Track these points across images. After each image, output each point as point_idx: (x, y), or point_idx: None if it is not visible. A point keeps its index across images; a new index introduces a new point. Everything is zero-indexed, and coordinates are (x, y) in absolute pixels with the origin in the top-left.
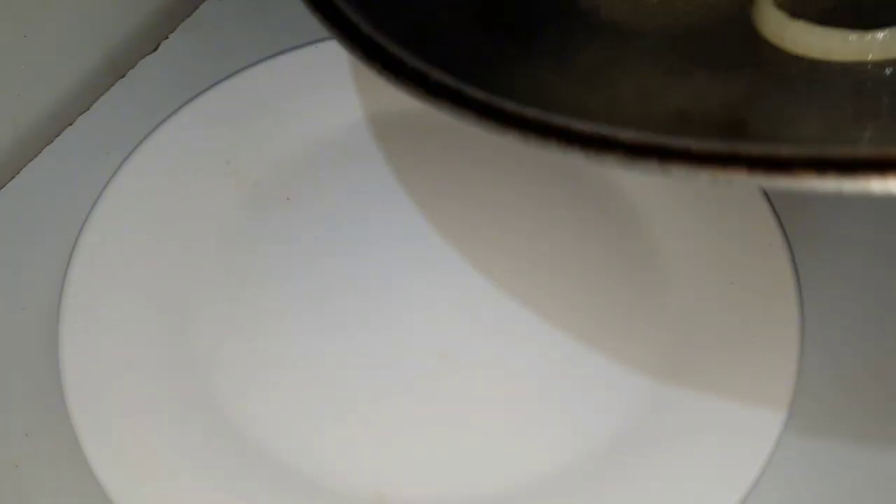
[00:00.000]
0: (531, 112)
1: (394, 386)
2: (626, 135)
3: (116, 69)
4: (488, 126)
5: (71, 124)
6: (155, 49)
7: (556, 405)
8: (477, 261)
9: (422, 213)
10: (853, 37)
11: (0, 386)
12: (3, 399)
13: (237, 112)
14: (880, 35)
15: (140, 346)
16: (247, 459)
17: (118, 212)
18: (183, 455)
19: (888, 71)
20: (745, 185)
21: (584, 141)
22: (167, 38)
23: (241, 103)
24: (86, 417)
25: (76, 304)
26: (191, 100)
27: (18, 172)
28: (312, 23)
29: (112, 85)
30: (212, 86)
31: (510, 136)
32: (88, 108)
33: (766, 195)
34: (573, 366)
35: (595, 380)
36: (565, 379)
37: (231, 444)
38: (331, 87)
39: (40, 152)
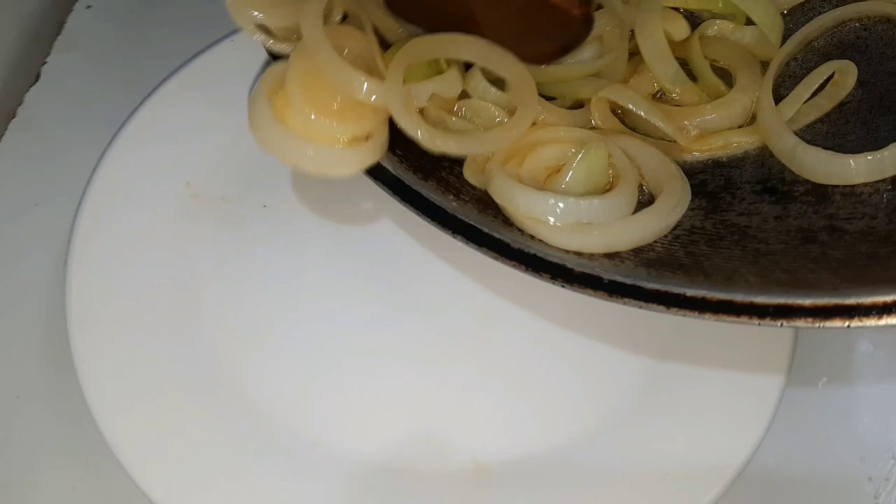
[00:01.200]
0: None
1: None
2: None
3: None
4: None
5: None
6: (37, 79)
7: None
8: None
9: None
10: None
11: None
12: None
13: (178, 129)
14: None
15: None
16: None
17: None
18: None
19: None
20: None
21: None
22: (46, 62)
23: (176, 119)
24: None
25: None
26: (125, 123)
27: None
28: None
29: (5, 129)
30: (138, 107)
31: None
32: None
33: None
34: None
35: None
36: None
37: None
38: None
39: None
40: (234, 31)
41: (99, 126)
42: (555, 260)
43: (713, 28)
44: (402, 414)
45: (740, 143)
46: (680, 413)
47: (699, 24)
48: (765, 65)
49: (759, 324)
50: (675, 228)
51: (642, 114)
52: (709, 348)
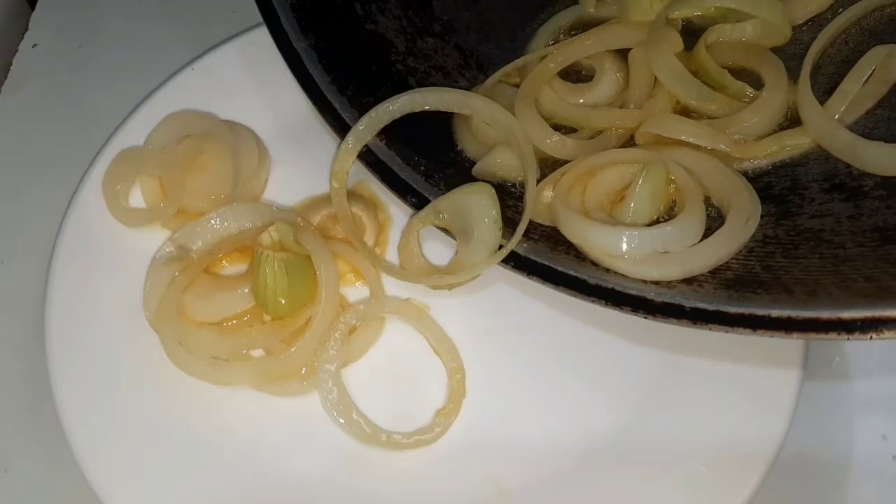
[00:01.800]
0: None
1: None
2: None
3: None
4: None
5: None
6: None
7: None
8: None
9: None
10: None
11: None
12: None
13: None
14: None
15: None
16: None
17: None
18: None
19: None
20: None
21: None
22: None
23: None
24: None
25: None
26: (87, 172)
27: None
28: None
29: None
30: (100, 151)
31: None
32: None
33: None
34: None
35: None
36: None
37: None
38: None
39: None
40: (183, 67)
41: (58, 169)
42: (634, 292)
43: (713, 34)
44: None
45: (795, 145)
46: (704, 407)
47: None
48: (778, 52)
49: (847, 338)
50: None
51: (694, 140)
52: (723, 341)
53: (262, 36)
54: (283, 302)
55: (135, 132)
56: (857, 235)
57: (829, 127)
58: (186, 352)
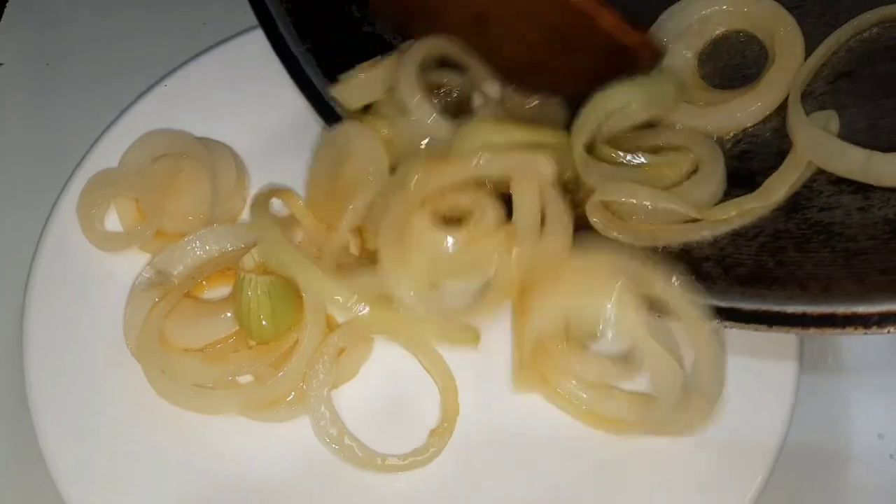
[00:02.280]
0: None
1: None
2: None
3: None
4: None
5: None
6: None
7: None
8: None
9: None
10: None
11: None
12: None
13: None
14: None
15: None
16: None
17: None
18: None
19: None
20: None
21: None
22: None
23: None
24: None
25: None
26: (58, 201)
27: None
28: None
29: None
30: (71, 175)
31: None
32: None
33: None
34: None
35: None
36: None
37: None
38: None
39: None
40: (155, 84)
41: (30, 194)
42: None
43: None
44: None
45: (754, 209)
46: None
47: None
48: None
49: (864, 333)
50: (758, 235)
51: (649, 205)
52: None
53: (236, 49)
54: (268, 326)
55: (108, 153)
56: (867, 228)
57: (836, 145)
58: (170, 381)
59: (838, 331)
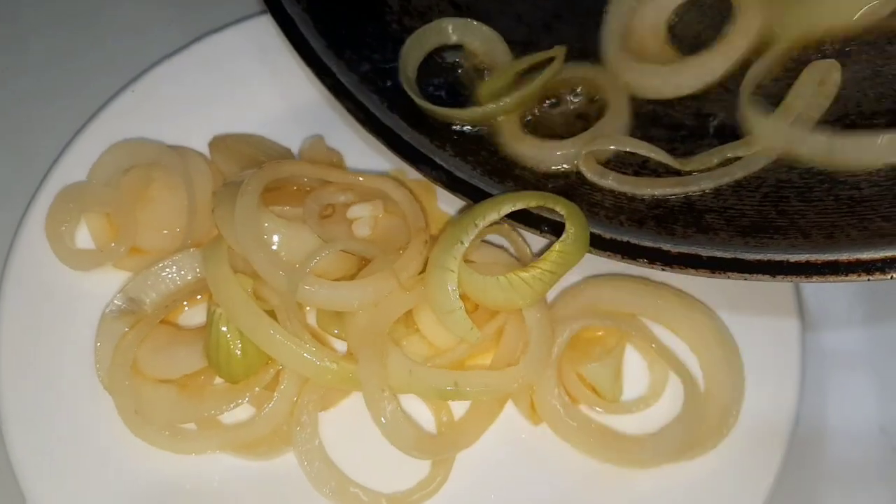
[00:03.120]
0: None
1: None
2: None
3: None
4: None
5: None
6: None
7: None
8: None
9: None
10: None
11: None
12: None
13: None
14: None
15: None
16: None
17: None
18: None
19: None
20: None
21: None
22: None
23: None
24: None
25: None
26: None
27: None
28: None
29: None
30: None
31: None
32: None
33: None
34: None
35: None
36: None
37: None
38: None
39: None
40: (122, 90)
41: None
42: (649, 244)
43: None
44: None
45: (738, 157)
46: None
47: None
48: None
49: (868, 279)
50: (760, 186)
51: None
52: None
53: (208, 49)
54: (239, 366)
55: (75, 166)
56: (871, 175)
57: (796, 133)
58: (144, 422)
59: (841, 278)
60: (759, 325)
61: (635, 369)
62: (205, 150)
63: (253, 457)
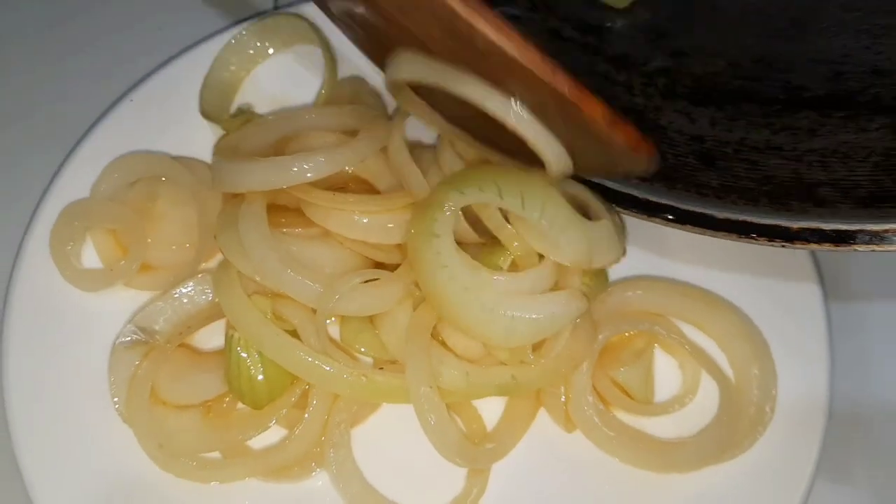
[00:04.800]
0: None
1: None
2: None
3: None
4: None
5: None
6: None
7: None
8: None
9: None
10: None
11: None
12: None
13: None
14: None
15: None
16: None
17: None
18: None
19: None
20: None
21: None
22: None
23: None
24: None
25: None
26: None
27: None
28: None
29: None
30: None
31: None
32: None
33: None
34: None
35: None
36: None
37: None
38: None
39: None
40: (120, 99)
41: None
42: (769, 221)
43: None
44: None
45: None
46: None
47: None
48: None
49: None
50: (869, 155)
51: None
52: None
53: (207, 53)
54: (261, 389)
55: (76, 182)
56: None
57: None
58: (169, 455)
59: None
60: (782, 313)
61: (666, 370)
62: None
63: (284, 480)
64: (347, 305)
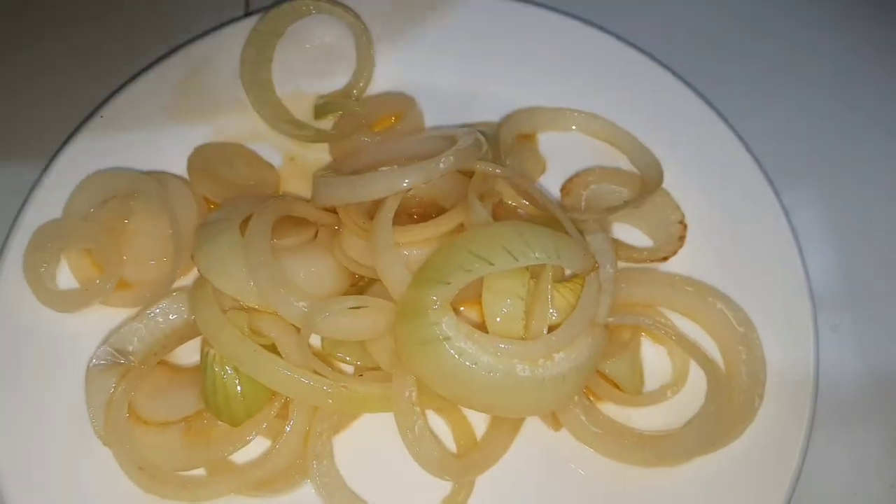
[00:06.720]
0: None
1: None
2: None
3: None
4: None
5: None
6: None
7: None
8: None
9: None
10: None
11: None
12: None
13: None
14: None
15: None
16: None
17: None
18: None
19: None
20: None
21: None
22: None
23: None
24: None
25: None
26: None
27: None
28: None
29: None
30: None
31: None
32: None
33: None
34: None
35: None
36: None
37: None
38: None
39: None
40: (90, 116)
41: None
42: None
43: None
44: None
45: None
46: None
47: None
48: None
49: None
50: None
51: None
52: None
53: (177, 66)
54: (239, 408)
55: (48, 203)
56: None
57: None
58: (151, 477)
59: None
60: (769, 300)
61: (655, 360)
62: (184, 172)
63: (269, 494)
64: (334, 328)
